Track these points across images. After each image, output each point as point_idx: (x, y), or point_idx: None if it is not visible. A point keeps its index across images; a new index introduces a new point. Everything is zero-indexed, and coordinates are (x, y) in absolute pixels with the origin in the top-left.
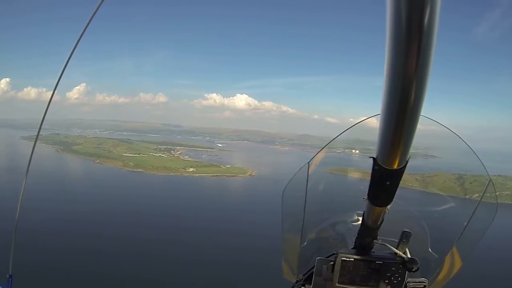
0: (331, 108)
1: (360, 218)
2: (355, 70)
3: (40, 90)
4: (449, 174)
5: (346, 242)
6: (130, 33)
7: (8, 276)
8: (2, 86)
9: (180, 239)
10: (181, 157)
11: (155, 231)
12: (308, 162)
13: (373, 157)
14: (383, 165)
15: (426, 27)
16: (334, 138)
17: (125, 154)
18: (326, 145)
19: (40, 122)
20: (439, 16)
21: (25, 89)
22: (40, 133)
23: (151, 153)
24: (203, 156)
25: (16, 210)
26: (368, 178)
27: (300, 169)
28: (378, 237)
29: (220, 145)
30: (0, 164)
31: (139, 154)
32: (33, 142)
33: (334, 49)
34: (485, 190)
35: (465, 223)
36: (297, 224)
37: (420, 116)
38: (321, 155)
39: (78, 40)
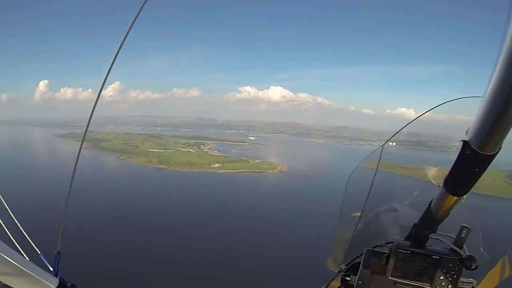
0: (367, 99)
1: (405, 211)
2: (390, 60)
3: (76, 90)
4: (497, 170)
5: (393, 234)
6: (164, 32)
7: (56, 252)
8: (41, 88)
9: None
10: (209, 152)
11: (152, 228)
12: (382, 145)
13: (464, 140)
14: (476, 149)
15: None
16: (407, 125)
17: (151, 150)
18: (398, 131)
19: (87, 121)
20: None
21: (61, 89)
22: (74, 131)
23: (178, 148)
24: (233, 150)
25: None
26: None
27: (373, 152)
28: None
29: (253, 138)
30: (27, 161)
31: (166, 149)
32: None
33: (369, 39)
34: None
35: None
36: (353, 214)
37: None
38: (392, 141)
39: (123, 41)
